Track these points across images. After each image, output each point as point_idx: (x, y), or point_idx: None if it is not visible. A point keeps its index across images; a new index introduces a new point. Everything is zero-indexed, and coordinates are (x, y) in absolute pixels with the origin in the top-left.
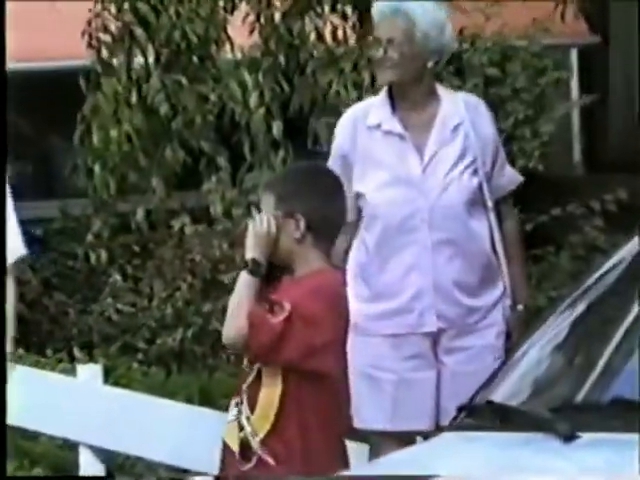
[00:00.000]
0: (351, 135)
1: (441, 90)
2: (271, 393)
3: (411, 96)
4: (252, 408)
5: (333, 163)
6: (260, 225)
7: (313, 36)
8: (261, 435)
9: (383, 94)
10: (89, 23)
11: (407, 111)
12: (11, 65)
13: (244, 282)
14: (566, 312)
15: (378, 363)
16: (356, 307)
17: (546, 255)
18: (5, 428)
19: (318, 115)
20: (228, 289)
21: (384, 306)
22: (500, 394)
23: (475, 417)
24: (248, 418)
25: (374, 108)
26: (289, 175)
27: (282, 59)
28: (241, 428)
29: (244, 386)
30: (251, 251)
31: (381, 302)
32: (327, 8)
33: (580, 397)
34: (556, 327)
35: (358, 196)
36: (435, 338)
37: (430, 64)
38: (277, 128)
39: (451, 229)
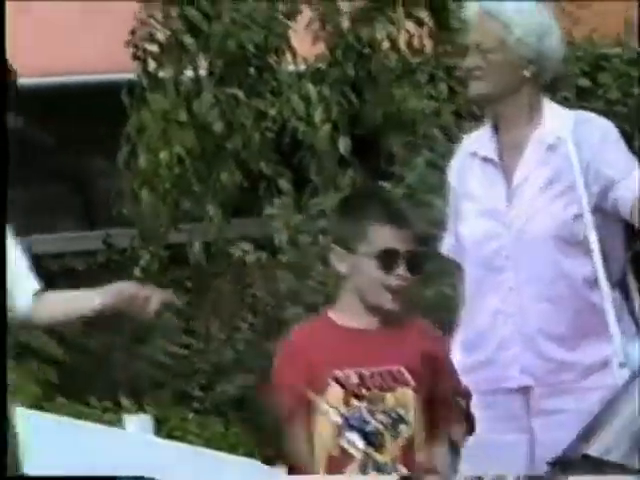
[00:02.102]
0: (457, 164)
1: (547, 105)
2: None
3: (507, 112)
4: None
5: (449, 194)
6: None
7: (385, 44)
8: None
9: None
10: (133, 32)
11: (503, 130)
12: (46, 80)
13: None
14: None
15: None
16: (454, 357)
17: None
18: (5, 428)
19: (391, 131)
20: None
21: (472, 357)
22: (596, 448)
23: (570, 472)
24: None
25: (479, 133)
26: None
27: (350, 70)
28: None
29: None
30: None
31: (469, 352)
32: (401, 13)
33: None
34: None
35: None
36: (525, 396)
37: (527, 74)
38: (345, 146)
39: (537, 267)
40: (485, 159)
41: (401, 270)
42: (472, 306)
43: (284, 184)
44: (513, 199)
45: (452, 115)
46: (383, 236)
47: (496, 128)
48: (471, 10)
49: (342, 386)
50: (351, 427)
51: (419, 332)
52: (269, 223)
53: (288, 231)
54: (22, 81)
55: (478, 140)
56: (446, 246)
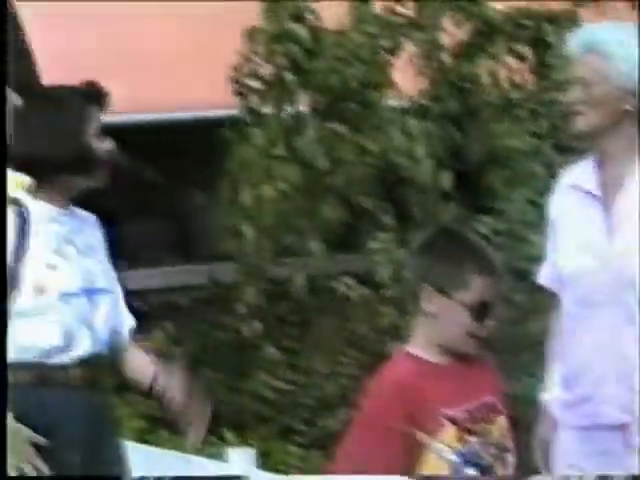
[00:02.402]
0: (558, 197)
1: None
2: None
3: (608, 146)
4: None
5: (549, 226)
6: None
7: (486, 79)
8: None
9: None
10: (236, 68)
11: (604, 164)
12: (149, 116)
13: None
14: None
15: (567, 459)
16: (552, 392)
17: None
18: (5, 428)
19: (492, 166)
20: None
21: (570, 393)
22: None
23: None
24: None
25: (580, 166)
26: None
27: (452, 105)
28: None
29: None
30: None
31: (568, 388)
32: (502, 48)
33: None
34: None
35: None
36: (623, 432)
37: (629, 107)
38: (446, 180)
39: (636, 305)
40: (586, 193)
41: (489, 320)
42: (569, 341)
43: (386, 219)
44: (614, 234)
45: (552, 150)
46: (481, 288)
47: (597, 162)
48: (573, 44)
49: (454, 424)
50: (468, 463)
51: (483, 362)
52: (371, 258)
53: (390, 266)
54: (127, 117)
55: (579, 174)
56: (545, 277)
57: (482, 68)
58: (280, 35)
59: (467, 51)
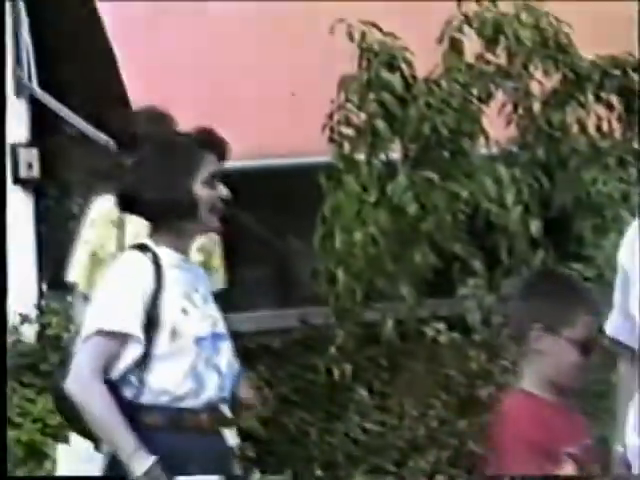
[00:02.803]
0: (630, 248)
1: None
2: None
3: None
4: None
5: (618, 274)
6: None
7: (575, 128)
8: None
9: None
10: (330, 116)
11: None
12: (245, 163)
13: None
14: None
15: None
16: (630, 440)
17: None
18: (5, 428)
19: (582, 214)
20: (486, 407)
21: None
22: None
23: None
24: None
25: None
26: None
27: (541, 153)
28: None
29: None
30: None
31: None
32: (590, 97)
33: None
34: None
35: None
36: None
37: None
38: (536, 227)
39: None
40: None
41: (592, 356)
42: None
43: (477, 265)
44: None
45: None
46: (588, 326)
47: None
48: None
49: (574, 461)
50: None
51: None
52: (462, 303)
53: (481, 311)
54: (231, 164)
55: None
56: (614, 327)
57: (571, 116)
58: (373, 83)
59: (556, 99)
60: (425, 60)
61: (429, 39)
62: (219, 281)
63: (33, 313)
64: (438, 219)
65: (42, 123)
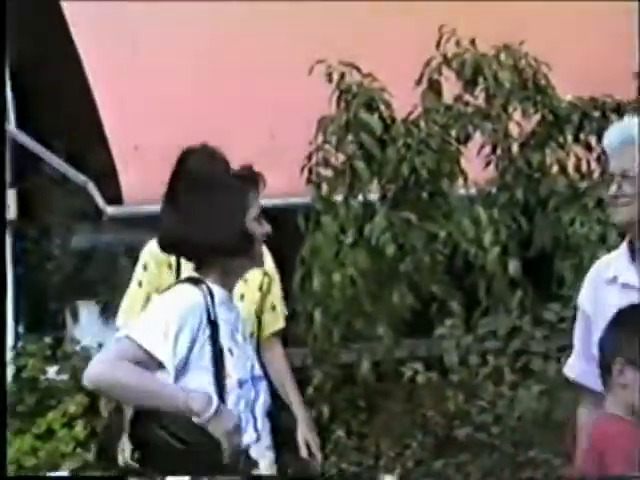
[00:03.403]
0: (592, 292)
1: None
2: None
3: None
4: None
5: (578, 319)
6: None
7: (555, 169)
8: None
9: (624, 242)
10: (309, 157)
11: None
12: None
13: None
14: None
15: None
16: None
17: None
18: (5, 428)
19: (561, 254)
20: (463, 447)
21: None
22: None
23: None
24: None
25: (614, 259)
26: None
27: (520, 194)
28: None
29: None
30: None
31: None
32: (570, 138)
33: None
34: None
35: None
36: None
37: None
38: (514, 267)
39: None
40: (626, 285)
41: None
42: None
43: (454, 305)
44: None
45: (619, 237)
46: None
47: (632, 252)
48: (612, 137)
49: None
50: None
51: None
52: (439, 343)
53: (458, 351)
54: None
55: (615, 266)
56: (579, 373)
57: (550, 157)
58: (352, 124)
59: (535, 140)
60: (404, 101)
61: (408, 80)
62: (279, 320)
63: (9, 355)
64: (416, 260)
65: (19, 164)
